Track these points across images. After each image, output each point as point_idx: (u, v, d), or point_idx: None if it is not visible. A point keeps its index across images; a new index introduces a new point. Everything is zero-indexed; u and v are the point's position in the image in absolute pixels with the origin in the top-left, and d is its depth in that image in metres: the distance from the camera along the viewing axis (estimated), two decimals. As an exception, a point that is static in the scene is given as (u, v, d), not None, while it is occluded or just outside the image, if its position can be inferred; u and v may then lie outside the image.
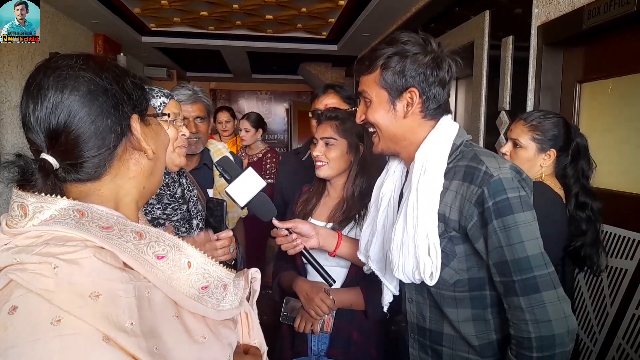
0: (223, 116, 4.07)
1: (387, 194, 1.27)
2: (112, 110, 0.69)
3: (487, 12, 2.64)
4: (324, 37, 5.15)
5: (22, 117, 0.68)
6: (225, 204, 1.44)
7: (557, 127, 1.67)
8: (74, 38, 4.25)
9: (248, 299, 0.81)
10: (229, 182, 1.31)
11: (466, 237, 1.09)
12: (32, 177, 0.64)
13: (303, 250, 1.41)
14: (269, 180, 3.24)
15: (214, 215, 1.45)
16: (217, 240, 1.34)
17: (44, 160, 0.65)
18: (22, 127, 0.69)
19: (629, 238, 1.84)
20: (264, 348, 0.85)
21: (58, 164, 0.66)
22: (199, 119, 1.88)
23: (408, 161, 1.19)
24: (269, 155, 3.61)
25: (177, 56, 6.45)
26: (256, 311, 0.83)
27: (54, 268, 0.57)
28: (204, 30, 4.96)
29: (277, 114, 9.33)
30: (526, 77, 2.27)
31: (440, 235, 1.09)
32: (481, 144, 2.65)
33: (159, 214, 1.47)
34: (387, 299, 1.33)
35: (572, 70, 2.17)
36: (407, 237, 1.10)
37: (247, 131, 3.62)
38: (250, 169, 1.33)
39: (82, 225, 0.62)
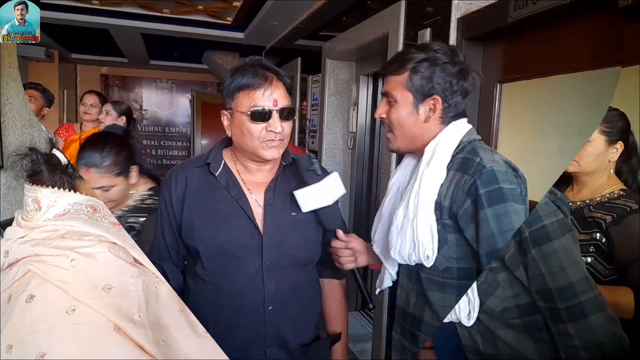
0: (89, 99, 3.30)
1: (395, 184, 1.34)
2: None
3: (403, 2, 2.44)
4: (229, 22, 4.73)
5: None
6: None
7: (622, 119, 1.52)
8: None
9: None
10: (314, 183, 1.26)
11: (457, 225, 1.13)
12: (38, 169, 0.75)
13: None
14: None
15: None
16: None
17: (53, 155, 0.77)
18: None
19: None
20: None
21: (67, 160, 0.77)
22: None
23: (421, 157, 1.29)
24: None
25: (58, 34, 5.59)
26: None
27: (71, 261, 0.68)
28: (86, 4, 4.30)
29: (179, 105, 8.74)
30: (444, 74, 2.09)
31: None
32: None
33: None
34: (386, 282, 1.38)
35: (492, 69, 2.01)
36: (406, 222, 1.16)
37: (108, 114, 3.04)
38: (335, 173, 1.29)
39: (96, 221, 0.74)
